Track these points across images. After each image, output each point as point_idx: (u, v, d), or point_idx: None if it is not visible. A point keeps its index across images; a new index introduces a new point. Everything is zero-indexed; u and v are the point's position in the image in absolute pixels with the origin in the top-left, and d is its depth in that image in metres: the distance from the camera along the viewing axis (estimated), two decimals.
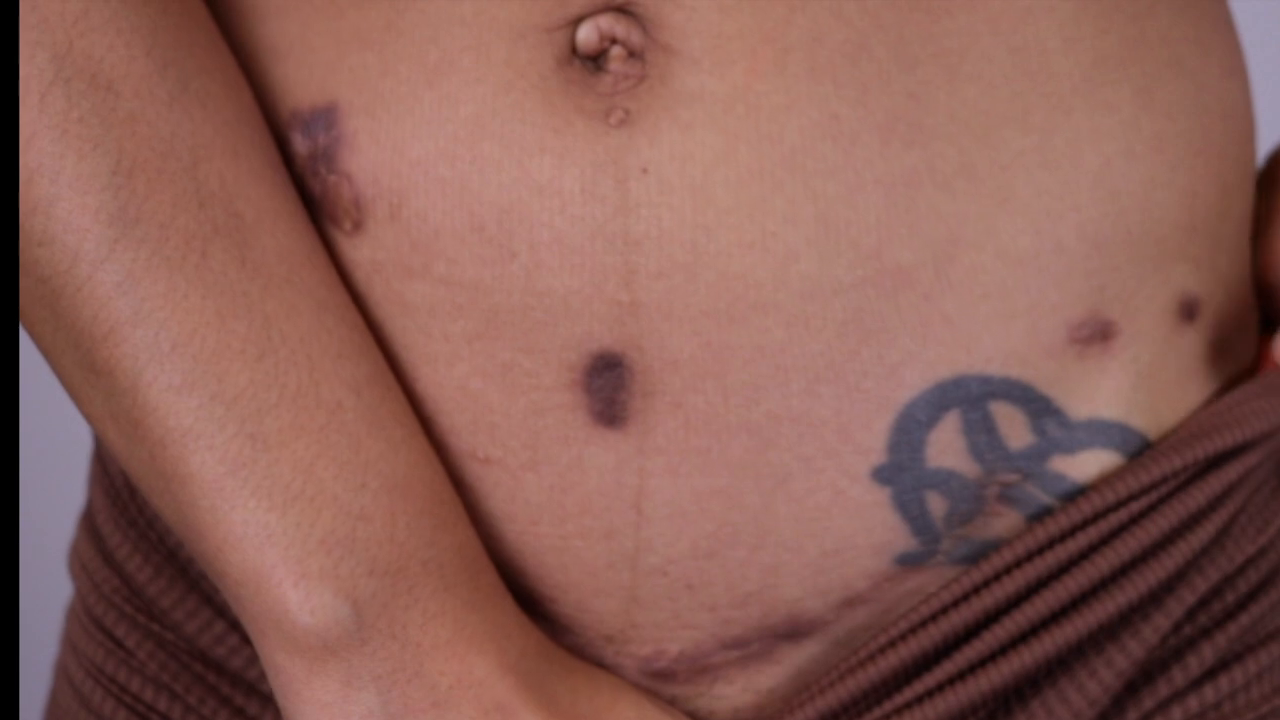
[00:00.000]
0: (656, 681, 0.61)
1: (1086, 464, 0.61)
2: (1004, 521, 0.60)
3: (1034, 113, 0.59)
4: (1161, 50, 0.61)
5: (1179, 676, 0.61)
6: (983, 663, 0.60)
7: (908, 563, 0.60)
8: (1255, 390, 0.63)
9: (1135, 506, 0.60)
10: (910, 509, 0.59)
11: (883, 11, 0.58)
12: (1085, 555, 0.60)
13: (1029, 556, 0.60)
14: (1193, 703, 0.61)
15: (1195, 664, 0.61)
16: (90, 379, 0.57)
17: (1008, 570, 0.60)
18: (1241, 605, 0.63)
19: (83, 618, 0.67)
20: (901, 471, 0.59)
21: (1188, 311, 0.62)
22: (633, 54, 0.58)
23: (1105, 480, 0.60)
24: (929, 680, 0.60)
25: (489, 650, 0.58)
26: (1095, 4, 0.60)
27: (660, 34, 0.57)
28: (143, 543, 0.65)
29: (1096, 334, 0.60)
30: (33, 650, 1.14)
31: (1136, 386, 0.61)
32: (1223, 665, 0.62)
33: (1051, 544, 0.60)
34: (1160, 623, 0.61)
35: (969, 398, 0.59)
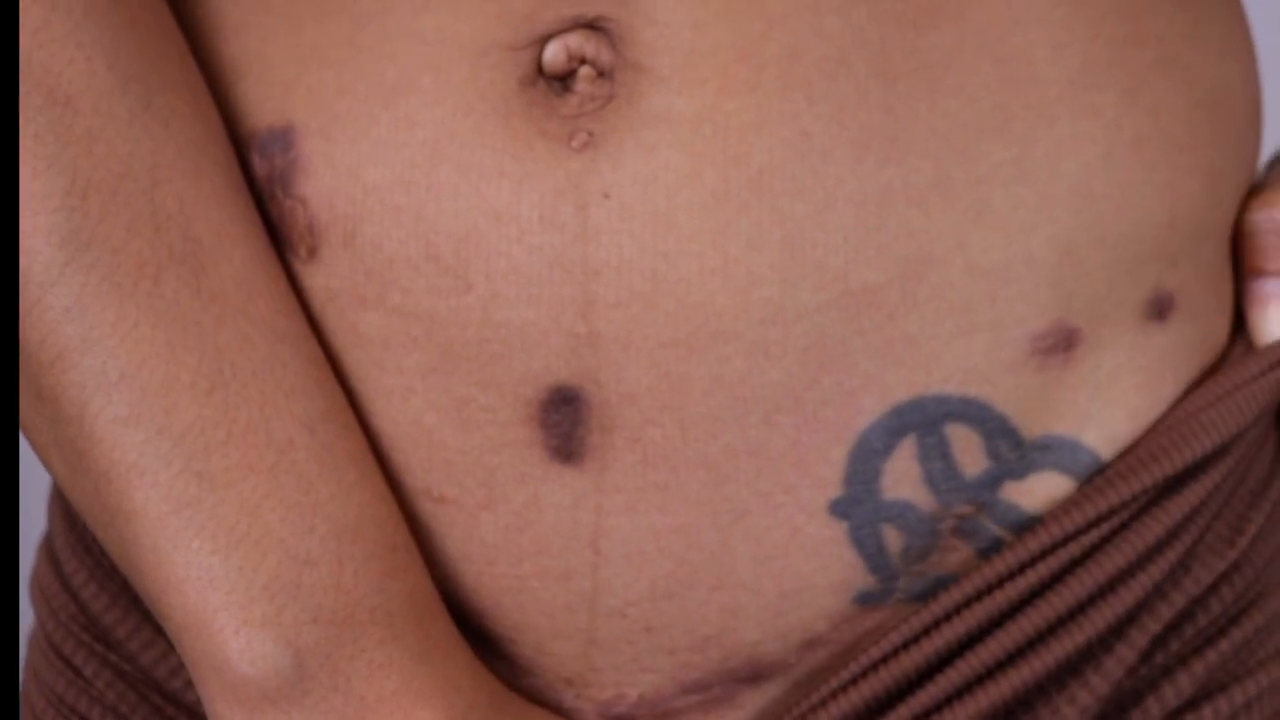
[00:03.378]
0: None
1: (1035, 489, 0.59)
2: (958, 556, 0.59)
3: (1016, 123, 0.57)
4: (1153, 49, 0.59)
5: (1155, 708, 0.59)
6: (939, 706, 0.58)
7: (866, 602, 0.58)
8: (1205, 399, 0.60)
9: (1087, 540, 0.58)
10: (867, 545, 0.57)
11: (867, 26, 0.56)
12: (1038, 593, 0.58)
13: (978, 595, 0.58)
14: None
15: (1172, 694, 0.59)
16: (37, 405, 0.56)
17: (958, 610, 0.58)
18: (1221, 630, 0.61)
19: (43, 645, 0.66)
20: (858, 504, 0.57)
21: (1158, 310, 0.59)
22: (601, 74, 0.56)
23: (1053, 513, 0.58)
24: None
25: (436, 704, 0.56)
26: (1087, 9, 0.57)
27: (631, 51, 0.56)
28: (98, 570, 0.64)
29: (1059, 344, 0.58)
30: None
31: (1094, 398, 0.59)
32: (1205, 695, 0.60)
33: (1001, 582, 0.58)
34: (1124, 654, 0.59)
35: (925, 421, 0.57)
